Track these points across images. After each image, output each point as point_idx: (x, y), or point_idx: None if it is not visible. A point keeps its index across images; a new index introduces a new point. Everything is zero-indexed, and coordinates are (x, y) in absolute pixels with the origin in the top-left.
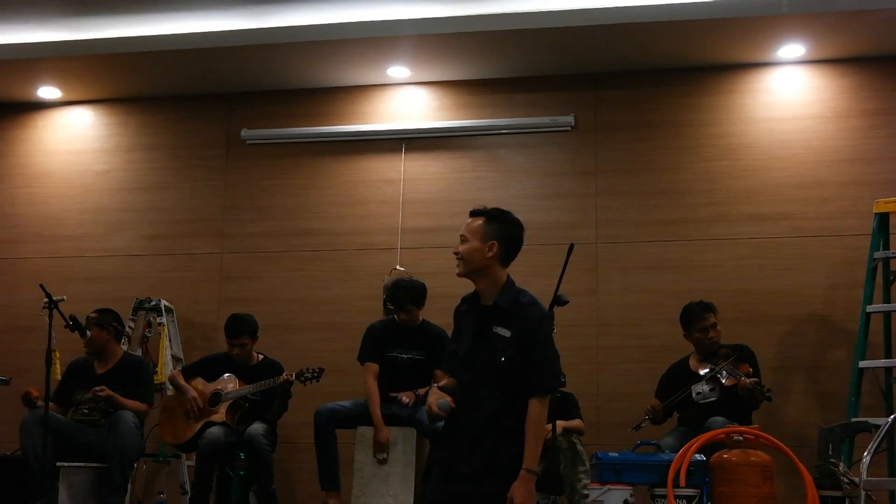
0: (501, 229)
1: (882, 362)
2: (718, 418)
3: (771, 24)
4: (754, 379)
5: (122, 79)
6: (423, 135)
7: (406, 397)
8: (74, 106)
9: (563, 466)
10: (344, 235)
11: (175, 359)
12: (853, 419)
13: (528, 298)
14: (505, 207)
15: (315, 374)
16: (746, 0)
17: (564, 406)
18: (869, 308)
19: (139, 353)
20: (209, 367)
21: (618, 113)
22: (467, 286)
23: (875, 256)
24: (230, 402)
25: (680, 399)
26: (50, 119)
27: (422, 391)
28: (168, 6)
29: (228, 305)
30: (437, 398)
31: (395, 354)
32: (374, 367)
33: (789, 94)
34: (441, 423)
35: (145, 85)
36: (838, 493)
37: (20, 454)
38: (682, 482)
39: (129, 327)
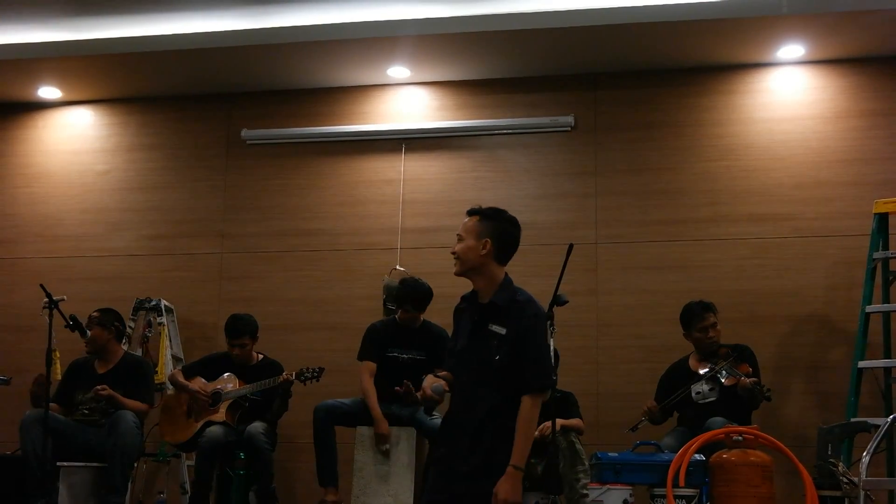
0: (495, 227)
1: (881, 362)
2: (718, 418)
3: (771, 24)
4: (754, 379)
5: (122, 79)
6: (423, 135)
7: (401, 388)
8: (75, 106)
9: (562, 466)
10: (344, 235)
11: (175, 359)
12: (852, 419)
13: (524, 296)
14: (505, 207)
15: (315, 374)
16: (746, 0)
17: (564, 405)
18: (868, 308)
19: (139, 352)
20: (209, 367)
21: (618, 113)
22: (467, 286)
23: (874, 257)
24: (230, 401)
25: (679, 399)
26: (50, 119)
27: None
28: (168, 6)
29: (228, 305)
30: (431, 382)
31: (395, 355)
32: (372, 365)
33: (789, 94)
34: (437, 420)
35: (145, 85)
36: (837, 493)
37: (20, 454)
38: (682, 482)
39: (130, 327)
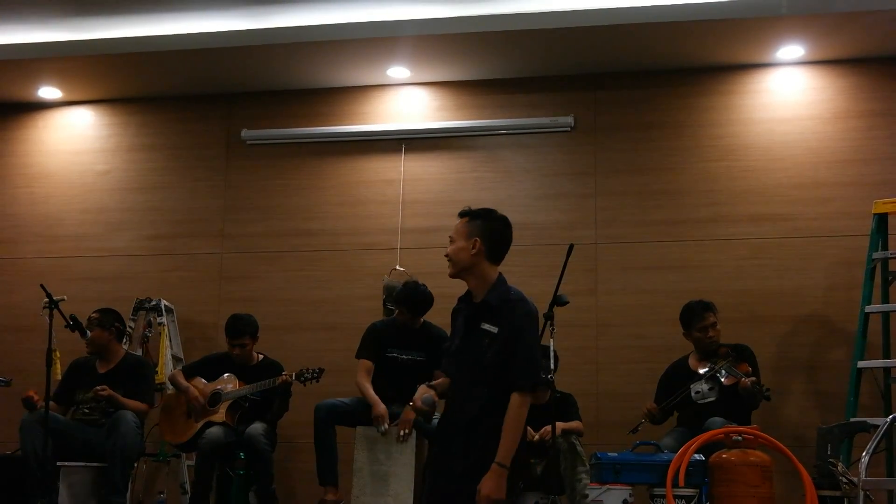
0: (484, 226)
1: (880, 362)
2: (717, 418)
3: (770, 25)
4: (753, 378)
5: (123, 79)
6: (422, 135)
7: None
8: (75, 106)
9: (563, 467)
10: (344, 235)
11: (175, 359)
12: (852, 419)
13: (516, 295)
14: (505, 208)
15: (315, 375)
16: (746, 1)
17: (564, 407)
18: (868, 308)
19: (139, 352)
20: (209, 367)
21: (617, 113)
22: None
23: (874, 257)
24: (230, 402)
25: (679, 399)
26: (50, 119)
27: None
28: (168, 6)
29: (228, 305)
30: (422, 393)
31: (394, 355)
32: (369, 364)
33: (788, 94)
34: (435, 420)
35: (145, 85)
36: (837, 493)
37: (20, 454)
38: (682, 482)
39: (130, 327)
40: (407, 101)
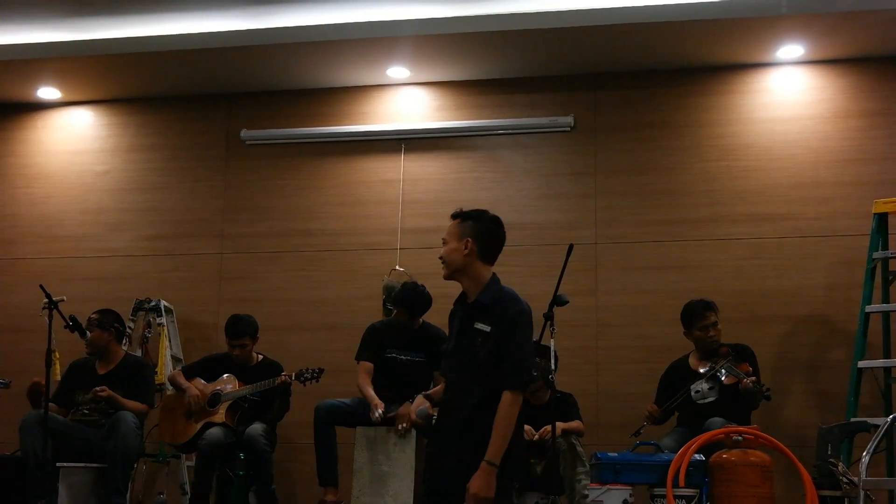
0: (475, 227)
1: (881, 362)
2: (717, 419)
3: (770, 24)
4: (753, 378)
5: (122, 79)
6: (422, 135)
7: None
8: (74, 106)
9: (563, 467)
10: (344, 235)
11: (175, 359)
12: (852, 419)
13: (508, 294)
14: (505, 208)
15: (314, 375)
16: (746, 0)
17: (564, 407)
18: (868, 308)
19: (139, 353)
20: (209, 368)
21: (617, 113)
22: None
23: (874, 256)
24: (230, 402)
25: (679, 400)
26: (50, 119)
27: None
28: (168, 7)
29: (228, 306)
30: (417, 405)
31: (394, 355)
32: (368, 366)
33: (788, 94)
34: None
35: (145, 85)
36: (837, 493)
37: (20, 455)
38: (682, 482)
39: (129, 328)
40: (406, 101)
